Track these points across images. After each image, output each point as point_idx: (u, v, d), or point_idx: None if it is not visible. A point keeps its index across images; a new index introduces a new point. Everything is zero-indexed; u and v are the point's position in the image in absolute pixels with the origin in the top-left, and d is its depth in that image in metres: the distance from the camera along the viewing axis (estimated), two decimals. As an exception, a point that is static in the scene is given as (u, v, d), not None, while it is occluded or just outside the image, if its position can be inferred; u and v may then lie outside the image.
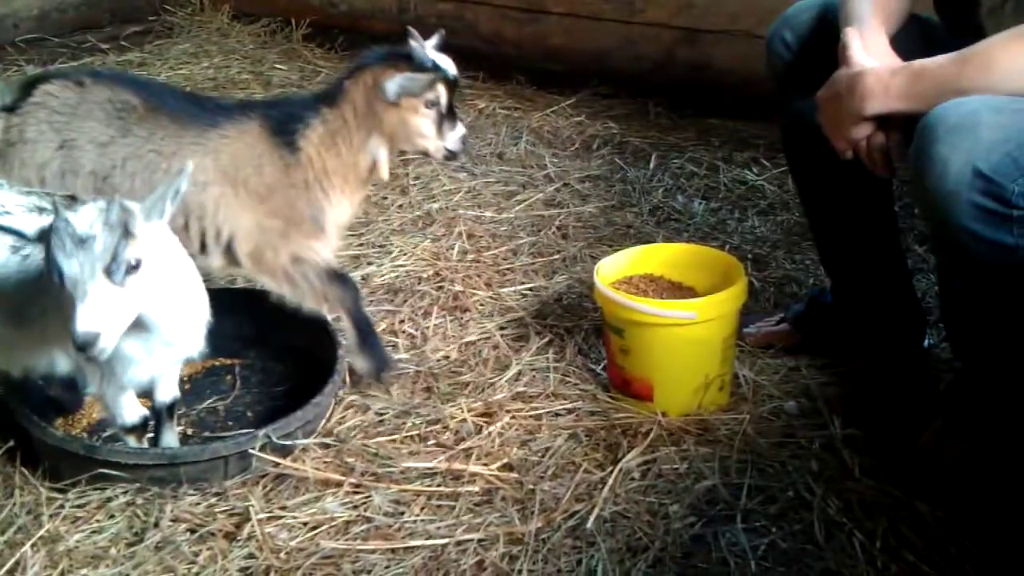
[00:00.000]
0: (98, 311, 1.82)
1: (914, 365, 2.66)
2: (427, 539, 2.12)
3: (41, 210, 2.13)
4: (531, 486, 2.25)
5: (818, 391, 2.57)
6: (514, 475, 2.29)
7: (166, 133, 2.50)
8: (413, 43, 2.61)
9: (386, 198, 3.73)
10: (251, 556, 2.08)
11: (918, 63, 2.03)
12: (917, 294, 2.74)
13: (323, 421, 2.45)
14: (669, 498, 2.21)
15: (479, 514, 2.18)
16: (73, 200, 2.16)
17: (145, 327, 2.02)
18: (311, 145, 2.57)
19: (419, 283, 3.15)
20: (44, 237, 1.89)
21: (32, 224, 2.09)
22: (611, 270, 2.67)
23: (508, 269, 3.24)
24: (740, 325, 2.61)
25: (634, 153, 4.12)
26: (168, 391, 2.28)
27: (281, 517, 2.17)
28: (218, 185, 2.49)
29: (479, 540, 2.11)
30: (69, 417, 2.52)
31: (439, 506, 2.22)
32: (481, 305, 3.02)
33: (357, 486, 2.25)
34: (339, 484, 2.26)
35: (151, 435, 2.34)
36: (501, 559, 2.06)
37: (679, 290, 2.67)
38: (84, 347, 1.81)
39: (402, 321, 2.94)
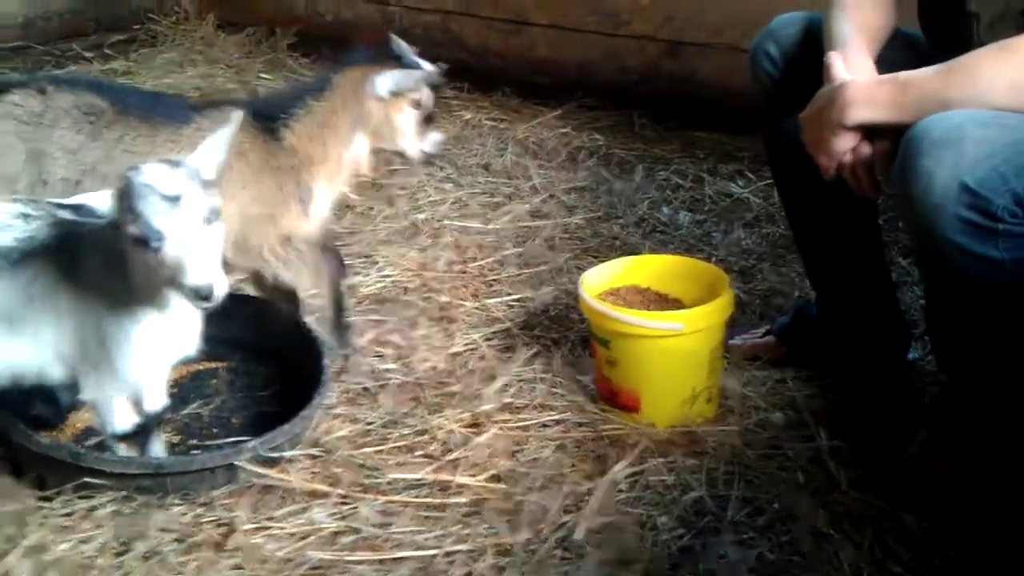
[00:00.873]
0: (208, 261, 1.91)
1: (899, 377, 2.67)
2: (415, 550, 2.11)
3: (25, 217, 2.12)
4: (519, 497, 2.24)
5: (804, 403, 2.58)
6: (502, 486, 2.29)
7: (137, 133, 2.49)
8: (396, 43, 2.67)
9: (372, 208, 3.73)
10: (238, 567, 2.06)
11: (903, 74, 2.03)
12: (902, 307, 2.76)
13: (310, 431, 2.44)
14: (657, 510, 2.21)
15: (467, 525, 2.18)
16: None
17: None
18: (295, 135, 2.59)
19: (405, 294, 3.15)
20: (120, 202, 1.91)
21: (19, 231, 2.09)
22: (597, 281, 2.68)
23: (495, 280, 3.24)
24: (726, 337, 2.62)
25: (620, 165, 4.14)
26: (157, 399, 2.27)
27: (268, 528, 2.16)
28: None
29: (467, 551, 2.10)
30: (52, 431, 2.49)
31: (427, 517, 2.21)
32: (468, 316, 3.02)
33: (344, 497, 2.25)
34: (326, 495, 2.25)
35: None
36: (489, 571, 2.05)
37: (665, 302, 2.68)
38: (206, 297, 1.89)
39: (389, 332, 2.93)
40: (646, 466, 2.34)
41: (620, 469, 2.32)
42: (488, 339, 2.89)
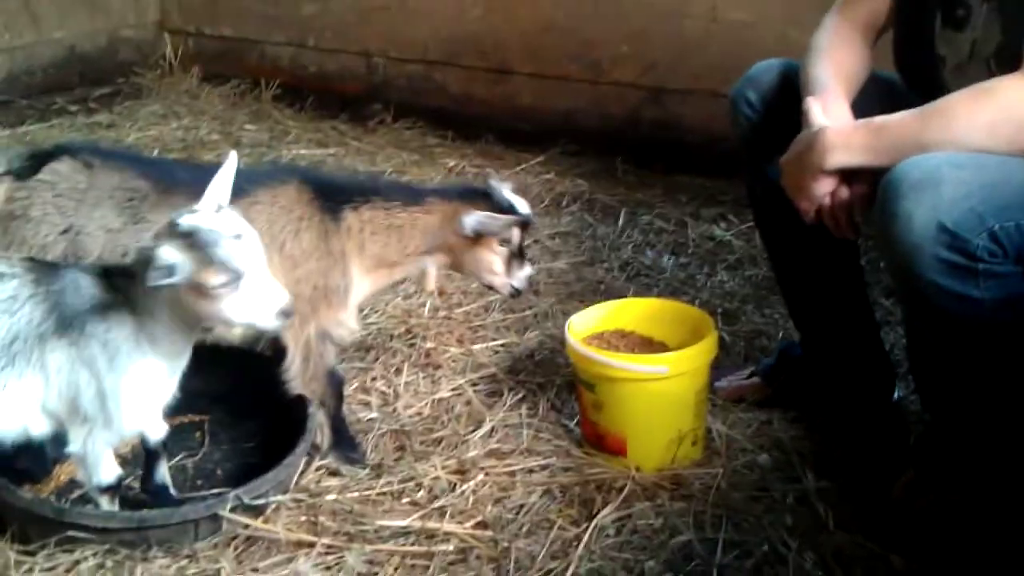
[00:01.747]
0: (279, 286, 2.07)
1: (884, 417, 2.67)
2: (401, 599, 2.10)
3: (1, 276, 2.10)
4: (506, 544, 2.23)
5: (790, 444, 2.58)
6: (489, 533, 2.28)
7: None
8: (493, 183, 2.63)
9: (357, 256, 3.73)
10: (223, 619, 2.05)
11: (879, 118, 2.06)
12: (885, 347, 2.77)
13: (295, 480, 2.42)
14: (644, 554, 2.20)
15: (454, 573, 2.16)
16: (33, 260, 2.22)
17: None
18: (358, 221, 2.52)
19: (391, 340, 3.15)
20: (195, 253, 1.97)
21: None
22: (582, 326, 2.68)
23: (480, 326, 3.24)
24: (711, 379, 2.63)
25: (603, 210, 4.16)
26: (157, 429, 2.26)
27: (252, 579, 2.14)
28: None
29: (454, 599, 2.10)
30: (36, 485, 2.47)
31: (413, 565, 2.19)
32: (453, 362, 3.02)
33: (330, 546, 2.23)
34: (312, 544, 2.23)
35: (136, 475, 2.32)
36: (477, 618, 2.05)
37: (650, 345, 2.69)
38: (289, 315, 2.07)
39: (374, 379, 2.92)
40: (633, 510, 2.33)
41: (607, 513, 2.31)
42: (474, 384, 2.89)
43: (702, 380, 2.53)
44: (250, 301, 2.03)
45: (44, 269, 2.15)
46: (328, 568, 2.18)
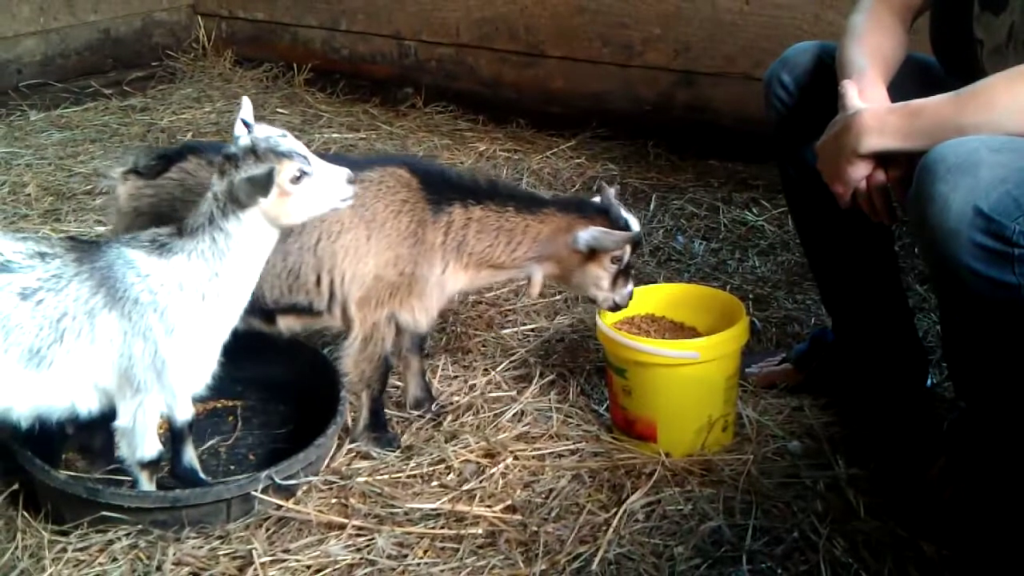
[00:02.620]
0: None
1: (917, 404, 2.65)
2: (431, 582, 2.11)
3: (42, 255, 2.13)
4: (535, 528, 2.23)
5: (821, 431, 2.56)
6: (518, 517, 2.28)
7: None
8: (610, 199, 2.61)
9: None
10: (254, 600, 2.07)
11: (916, 102, 2.04)
12: (919, 333, 2.75)
13: (326, 462, 2.44)
14: (674, 540, 2.20)
15: (483, 557, 2.17)
16: (72, 239, 2.27)
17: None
18: (464, 217, 2.52)
19: (421, 325, 3.15)
20: (260, 154, 2.14)
21: (41, 270, 2.11)
22: (613, 310, 2.67)
23: (510, 310, 3.24)
24: (742, 365, 2.61)
25: (634, 194, 4.14)
26: (186, 410, 2.29)
27: (284, 560, 2.15)
28: (352, 230, 2.45)
29: (483, 583, 2.10)
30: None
31: (443, 548, 2.20)
32: (483, 346, 3.03)
33: (360, 528, 2.24)
34: (342, 527, 2.24)
35: (165, 464, 2.34)
36: (505, 602, 2.05)
37: (681, 330, 2.68)
38: (353, 181, 2.20)
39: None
40: (662, 495, 2.33)
41: (636, 499, 2.31)
42: (504, 369, 2.89)
43: (733, 366, 2.52)
44: (323, 183, 2.16)
45: (85, 247, 2.20)
46: (358, 550, 2.19)
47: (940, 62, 2.37)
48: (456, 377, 2.86)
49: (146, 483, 2.26)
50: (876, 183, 2.14)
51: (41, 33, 5.55)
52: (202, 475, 2.35)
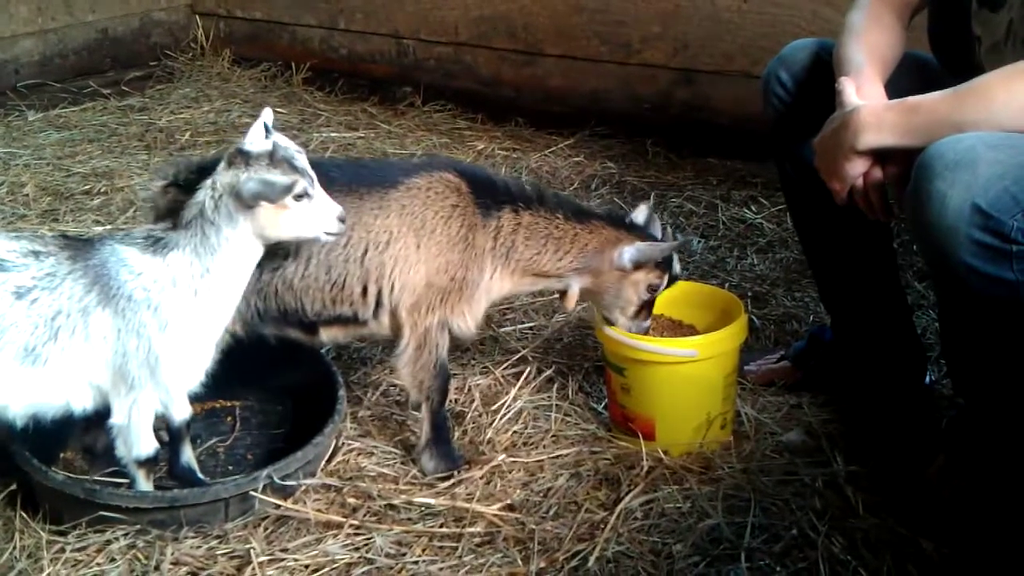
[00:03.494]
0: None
1: (915, 401, 2.65)
2: (429, 581, 2.11)
3: (36, 254, 2.13)
4: (533, 526, 2.23)
5: (820, 428, 2.56)
6: (516, 515, 2.28)
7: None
8: (647, 213, 2.60)
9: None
10: (252, 599, 2.07)
11: (914, 98, 2.04)
12: (917, 330, 2.74)
13: (324, 461, 2.44)
14: (672, 537, 2.20)
15: (481, 555, 2.17)
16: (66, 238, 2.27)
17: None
18: (513, 222, 2.49)
19: (420, 323, 3.14)
20: (276, 161, 2.15)
21: (35, 269, 2.10)
22: (611, 309, 2.67)
23: (508, 308, 3.24)
24: (741, 363, 2.61)
25: (633, 192, 4.14)
26: (183, 410, 2.28)
27: (282, 560, 2.15)
28: (402, 239, 2.41)
29: (481, 581, 2.10)
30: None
31: (441, 547, 2.20)
32: (482, 344, 3.02)
33: (359, 527, 2.24)
34: (340, 525, 2.24)
35: (163, 464, 2.34)
36: (504, 600, 2.05)
37: (679, 328, 2.68)
38: (344, 221, 2.24)
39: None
40: (661, 493, 2.33)
41: (635, 496, 2.31)
42: (502, 367, 2.88)
43: (731, 363, 2.52)
44: (318, 210, 2.18)
45: (79, 245, 2.20)
46: (356, 549, 2.19)
47: (938, 59, 2.37)
48: (455, 375, 2.85)
49: (143, 482, 2.26)
50: (873, 180, 2.14)
51: (39, 33, 5.55)
52: (200, 475, 2.34)
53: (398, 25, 5.44)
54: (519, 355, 2.94)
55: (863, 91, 2.18)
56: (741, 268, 3.49)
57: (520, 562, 2.14)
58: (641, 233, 2.55)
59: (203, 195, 2.17)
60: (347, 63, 5.64)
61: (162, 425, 2.31)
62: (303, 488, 2.34)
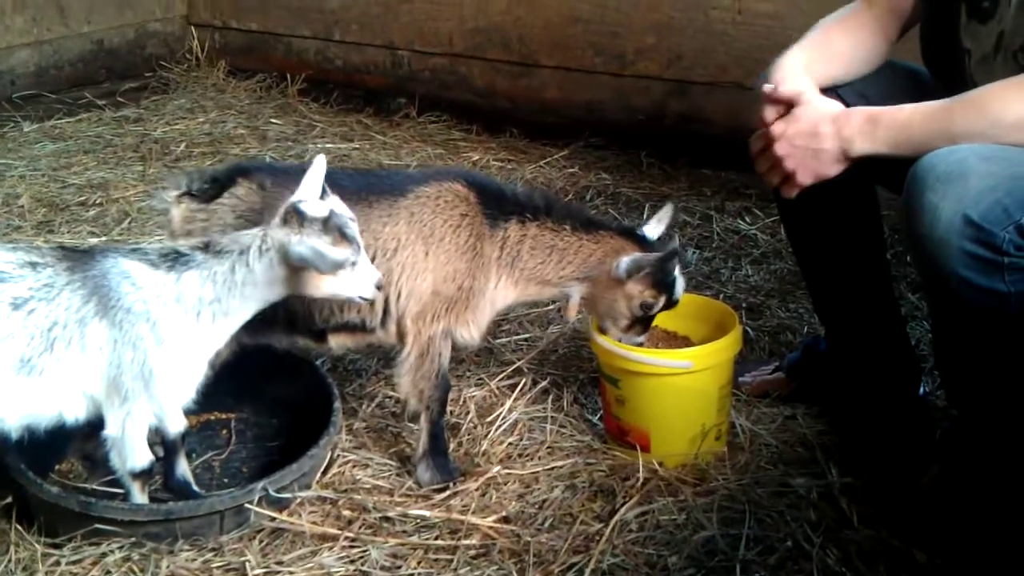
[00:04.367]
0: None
1: (910, 412, 2.66)
2: (424, 593, 2.11)
3: (34, 265, 2.13)
4: (528, 538, 2.23)
5: (815, 439, 2.57)
6: (511, 527, 2.28)
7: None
8: (668, 221, 2.62)
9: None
10: (248, 612, 2.06)
11: (908, 107, 2.05)
12: (911, 341, 2.75)
13: (320, 473, 2.44)
14: (667, 549, 2.20)
15: (476, 567, 2.17)
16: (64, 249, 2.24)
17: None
18: (519, 232, 2.50)
19: (415, 335, 3.14)
20: (329, 227, 2.12)
21: (32, 280, 2.11)
22: (606, 320, 2.67)
23: (503, 320, 3.24)
24: (735, 374, 2.62)
25: (627, 204, 4.15)
26: (177, 422, 2.28)
27: (278, 572, 2.15)
28: (410, 247, 2.42)
29: (477, 594, 2.10)
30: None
31: (436, 559, 2.20)
32: (477, 356, 3.02)
33: (354, 540, 2.24)
34: (335, 538, 2.24)
35: (158, 477, 2.34)
36: (499, 612, 2.05)
37: (674, 339, 2.68)
38: (381, 287, 2.24)
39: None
40: (656, 505, 2.33)
41: (630, 508, 2.32)
42: (497, 379, 2.89)
43: (726, 375, 2.52)
44: (359, 277, 2.18)
45: (77, 256, 2.19)
46: (352, 561, 2.19)
47: (929, 71, 2.38)
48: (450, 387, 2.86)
49: (138, 494, 2.25)
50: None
51: (34, 44, 5.56)
52: (195, 487, 2.34)
53: (393, 36, 5.45)
54: (514, 367, 2.94)
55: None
56: (735, 279, 3.50)
57: (515, 574, 2.14)
58: (645, 244, 2.55)
59: (250, 240, 2.16)
60: (342, 74, 5.65)
61: (157, 439, 2.30)
62: (298, 501, 2.33)
